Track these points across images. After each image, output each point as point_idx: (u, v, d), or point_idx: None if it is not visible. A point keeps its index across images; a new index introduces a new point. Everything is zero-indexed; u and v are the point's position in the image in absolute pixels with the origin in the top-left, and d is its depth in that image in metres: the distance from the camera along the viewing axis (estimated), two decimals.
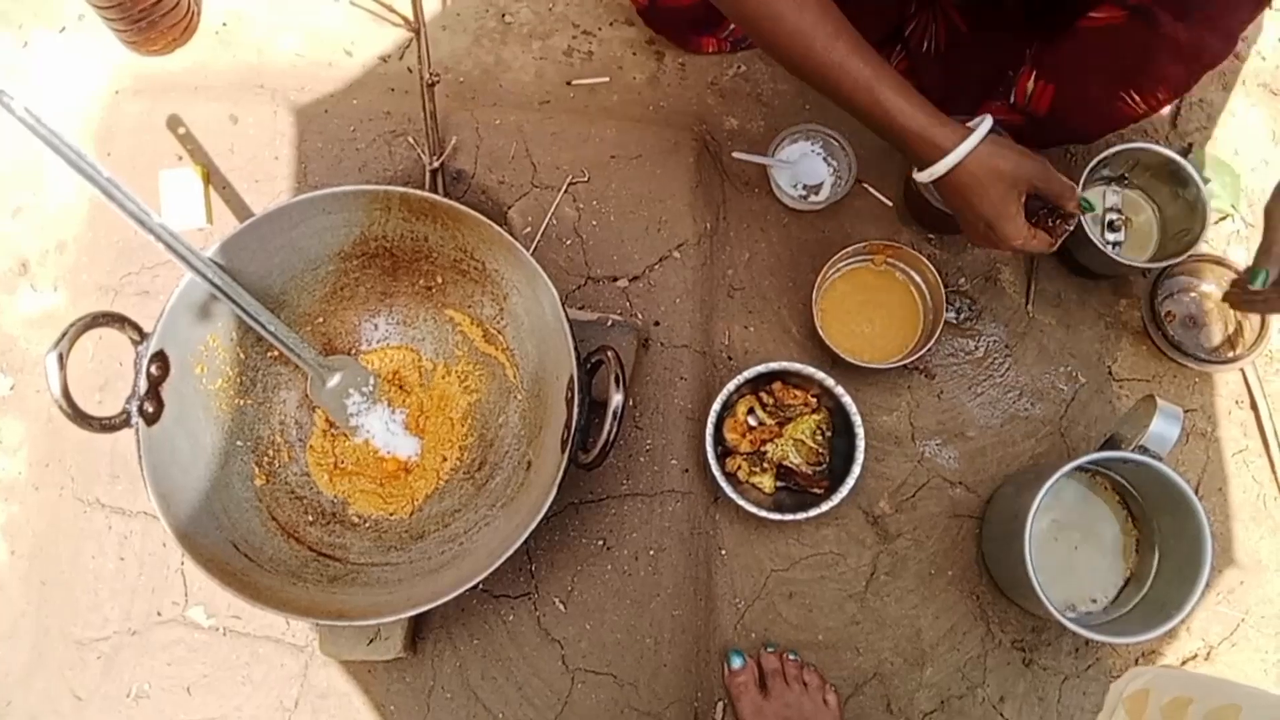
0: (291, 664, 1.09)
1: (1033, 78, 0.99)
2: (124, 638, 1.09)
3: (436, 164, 1.17)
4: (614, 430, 0.90)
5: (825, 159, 1.21)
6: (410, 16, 1.11)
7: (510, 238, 1.00)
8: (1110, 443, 1.08)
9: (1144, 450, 1.00)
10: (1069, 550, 1.10)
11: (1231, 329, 1.19)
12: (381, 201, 1.02)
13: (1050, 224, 0.94)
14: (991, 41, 1.05)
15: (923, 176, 0.89)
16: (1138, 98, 0.90)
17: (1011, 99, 1.07)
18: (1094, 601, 1.09)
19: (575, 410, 0.94)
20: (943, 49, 1.16)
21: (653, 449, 1.14)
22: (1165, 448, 0.98)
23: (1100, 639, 1.03)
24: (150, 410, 0.93)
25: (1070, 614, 1.05)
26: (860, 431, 1.09)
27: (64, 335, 0.88)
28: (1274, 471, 1.17)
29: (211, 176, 1.21)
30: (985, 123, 0.87)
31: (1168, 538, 1.06)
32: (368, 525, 1.07)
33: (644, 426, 1.14)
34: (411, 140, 1.21)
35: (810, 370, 1.10)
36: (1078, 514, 1.11)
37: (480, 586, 1.09)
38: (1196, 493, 1.15)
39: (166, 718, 1.08)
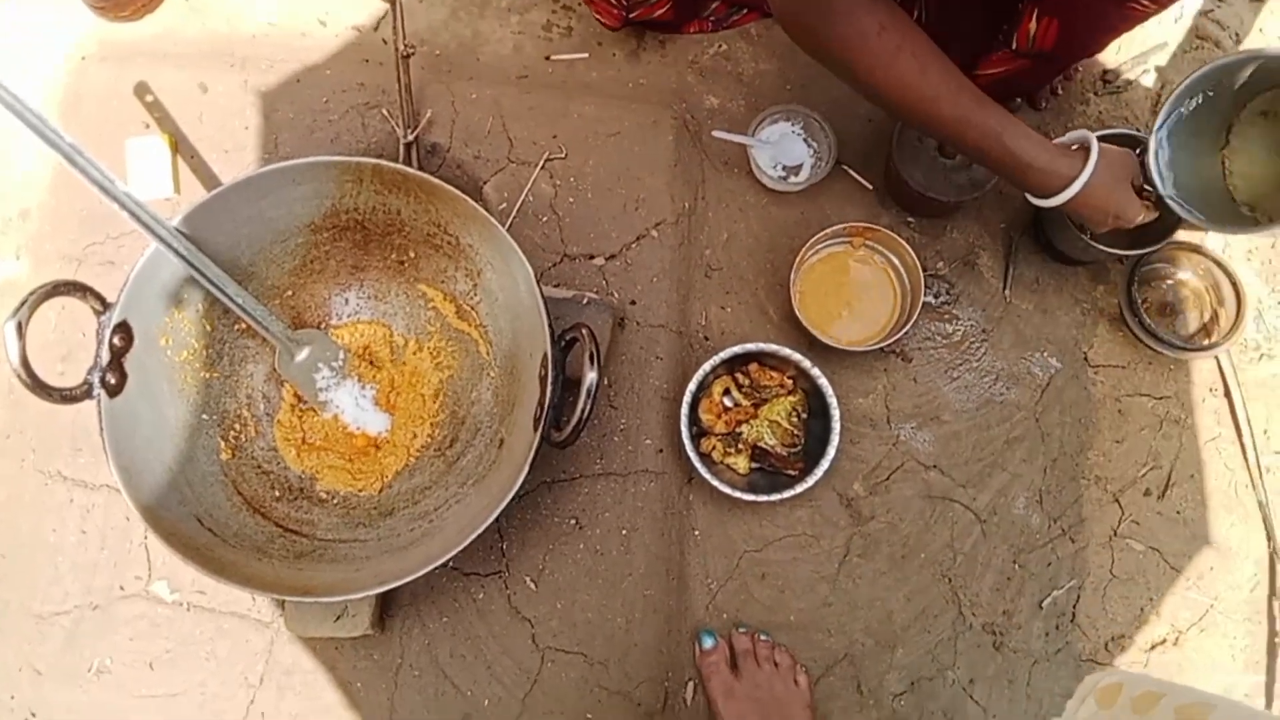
0: (257, 640, 1.07)
1: (1034, 18, 0.99)
2: (85, 612, 1.07)
3: (411, 137, 1.15)
4: (588, 408, 0.89)
5: (805, 140, 1.20)
6: None
7: (485, 213, 0.98)
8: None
9: None
10: None
11: (1207, 317, 1.19)
12: (353, 173, 1.00)
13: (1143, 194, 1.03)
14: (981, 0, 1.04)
15: (1047, 203, 0.96)
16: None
17: (1014, 45, 1.07)
18: None
19: (549, 388, 0.93)
20: (933, 13, 1.15)
21: (627, 428, 1.13)
22: None
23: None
24: (113, 382, 0.91)
25: None
26: (836, 414, 1.08)
27: (23, 303, 0.86)
28: (1246, 459, 1.17)
29: (180, 146, 1.19)
30: (1093, 145, 0.94)
31: None
32: (336, 501, 1.06)
33: (618, 406, 1.13)
34: (385, 113, 1.19)
35: (787, 352, 1.09)
36: None
37: (450, 564, 1.08)
38: (1169, 480, 1.17)
39: (128, 693, 1.06)
